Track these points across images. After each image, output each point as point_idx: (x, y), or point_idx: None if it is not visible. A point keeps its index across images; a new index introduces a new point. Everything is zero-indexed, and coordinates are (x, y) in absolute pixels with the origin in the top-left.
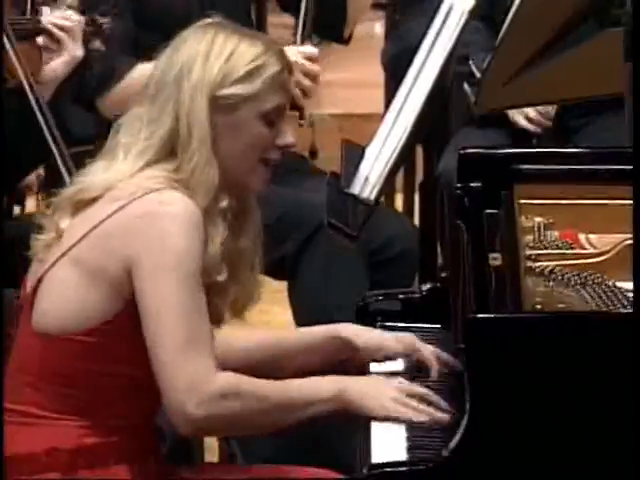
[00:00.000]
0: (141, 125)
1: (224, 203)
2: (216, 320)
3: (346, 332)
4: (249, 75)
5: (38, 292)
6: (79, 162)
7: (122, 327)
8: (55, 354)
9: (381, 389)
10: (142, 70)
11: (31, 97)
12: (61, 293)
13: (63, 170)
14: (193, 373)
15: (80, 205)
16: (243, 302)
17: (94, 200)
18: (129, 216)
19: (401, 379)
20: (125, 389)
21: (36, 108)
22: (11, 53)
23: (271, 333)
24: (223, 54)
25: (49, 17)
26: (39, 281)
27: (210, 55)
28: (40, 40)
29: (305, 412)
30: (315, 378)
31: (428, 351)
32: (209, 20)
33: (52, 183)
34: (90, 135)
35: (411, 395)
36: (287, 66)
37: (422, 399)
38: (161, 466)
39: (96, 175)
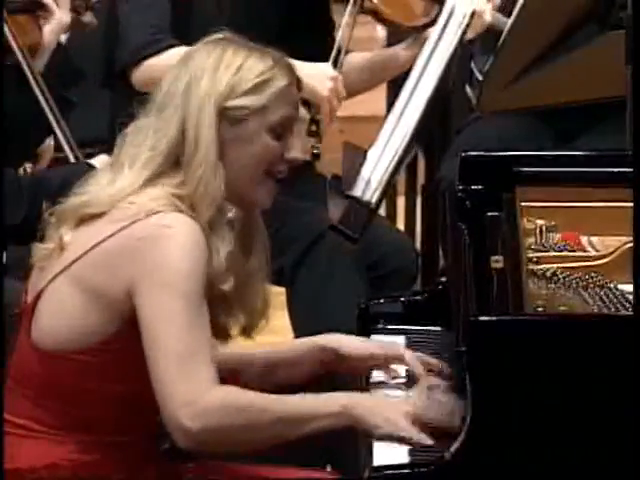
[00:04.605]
0: (147, 136)
1: (230, 214)
2: (223, 337)
3: (331, 344)
4: (257, 87)
5: (38, 306)
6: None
7: (120, 347)
8: (54, 371)
9: (389, 408)
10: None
11: (27, 70)
12: (59, 311)
13: (64, 143)
14: (189, 389)
15: (84, 219)
16: (252, 321)
17: (98, 215)
18: (131, 238)
19: (411, 399)
20: (125, 406)
21: (32, 81)
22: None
23: (253, 348)
24: (232, 66)
25: None
26: (39, 294)
27: (219, 67)
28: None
29: (309, 426)
30: (323, 394)
31: (413, 358)
32: (219, 35)
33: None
34: (103, 136)
35: (418, 418)
36: (295, 81)
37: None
38: (161, 469)
39: (101, 188)
